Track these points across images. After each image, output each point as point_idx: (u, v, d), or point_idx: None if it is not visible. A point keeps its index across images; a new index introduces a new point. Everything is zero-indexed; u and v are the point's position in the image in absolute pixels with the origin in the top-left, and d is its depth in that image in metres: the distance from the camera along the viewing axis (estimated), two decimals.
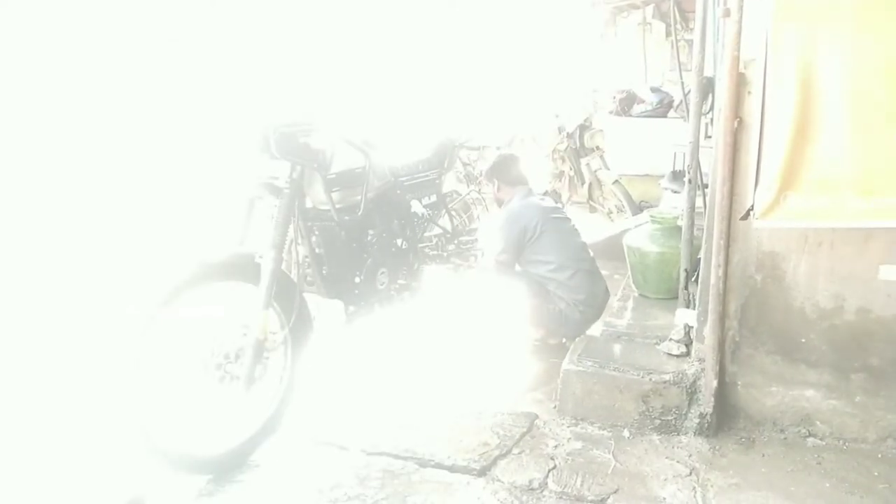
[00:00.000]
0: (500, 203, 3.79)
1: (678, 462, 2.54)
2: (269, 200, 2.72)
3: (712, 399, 2.67)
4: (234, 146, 2.48)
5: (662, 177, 5.63)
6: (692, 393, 2.72)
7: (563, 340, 3.59)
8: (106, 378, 2.16)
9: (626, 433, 2.74)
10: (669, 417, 2.73)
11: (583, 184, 5.86)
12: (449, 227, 3.76)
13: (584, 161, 5.82)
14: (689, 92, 3.08)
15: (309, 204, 2.80)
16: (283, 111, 2.56)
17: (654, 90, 8.04)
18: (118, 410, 2.16)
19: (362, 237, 3.04)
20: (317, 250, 2.89)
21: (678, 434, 2.71)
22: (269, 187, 2.59)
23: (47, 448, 2.73)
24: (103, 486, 2.51)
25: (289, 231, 2.65)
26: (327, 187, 2.72)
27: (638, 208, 5.52)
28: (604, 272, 3.75)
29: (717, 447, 2.63)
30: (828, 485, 2.39)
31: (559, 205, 4.24)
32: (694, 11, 3.36)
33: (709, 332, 2.66)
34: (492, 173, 3.77)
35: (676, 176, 5.25)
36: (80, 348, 3.56)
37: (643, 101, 7.86)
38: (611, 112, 8.02)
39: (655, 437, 2.70)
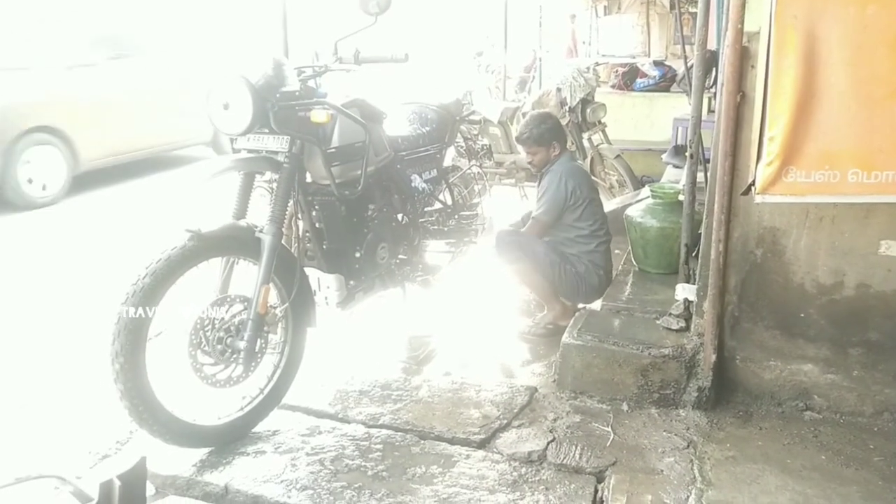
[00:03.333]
0: (542, 165, 3.69)
1: (676, 435, 2.56)
2: (268, 175, 2.71)
3: (711, 373, 2.69)
4: (233, 120, 2.45)
5: (664, 151, 5.60)
6: (691, 367, 2.73)
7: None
8: (108, 352, 2.18)
9: (624, 406, 2.76)
10: (668, 391, 2.75)
11: (584, 158, 5.82)
12: (449, 202, 3.75)
13: (585, 135, 5.77)
14: (691, 66, 3.06)
15: (309, 178, 2.79)
16: (282, 84, 2.54)
17: (657, 64, 7.97)
18: (123, 383, 2.18)
19: (362, 212, 3.03)
20: (317, 225, 2.89)
21: (676, 408, 2.73)
22: (268, 162, 2.58)
23: (44, 421, 2.77)
24: (104, 453, 2.55)
25: (289, 206, 2.65)
26: (327, 162, 2.70)
27: (639, 183, 5.50)
28: None
29: (714, 421, 2.65)
30: (824, 458, 2.41)
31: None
32: None
33: (708, 306, 2.67)
34: (552, 136, 3.65)
35: (678, 151, 5.23)
36: (80, 321, 3.59)
37: (646, 76, 7.80)
38: (613, 86, 7.97)
39: (654, 411, 2.73)
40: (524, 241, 3.52)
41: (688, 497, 2.21)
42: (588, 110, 5.69)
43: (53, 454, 2.54)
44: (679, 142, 5.81)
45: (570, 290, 3.53)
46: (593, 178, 5.88)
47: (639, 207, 3.72)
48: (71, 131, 6.56)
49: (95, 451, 2.55)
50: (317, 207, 2.87)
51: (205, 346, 2.38)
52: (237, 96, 2.42)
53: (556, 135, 3.66)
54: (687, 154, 3.03)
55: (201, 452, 2.44)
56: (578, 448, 2.48)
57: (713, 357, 2.68)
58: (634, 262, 3.72)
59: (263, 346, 2.50)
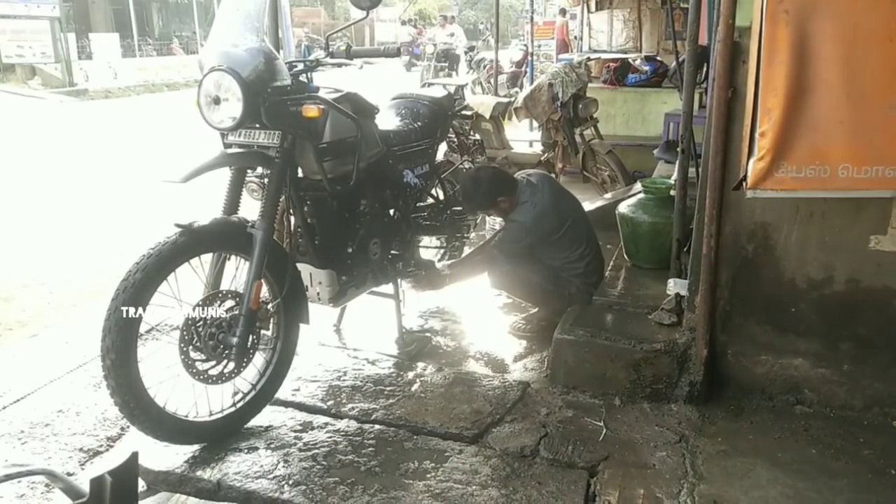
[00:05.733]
0: (505, 214, 3.40)
1: (668, 429, 2.57)
2: (259, 170, 2.70)
3: (702, 368, 2.70)
4: (224, 115, 2.44)
5: (656, 147, 5.61)
6: (683, 362, 2.74)
7: None
8: (99, 348, 2.16)
9: (617, 401, 2.77)
10: (660, 386, 2.76)
11: (576, 154, 5.82)
12: (441, 197, 3.74)
13: (577, 131, 5.78)
14: (683, 61, 3.06)
15: (300, 174, 2.78)
16: (273, 79, 2.52)
17: (649, 59, 7.98)
18: (115, 379, 2.17)
19: (354, 207, 3.02)
20: (309, 220, 2.87)
21: (668, 402, 2.74)
22: (259, 157, 2.57)
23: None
24: (96, 450, 2.53)
25: (280, 201, 2.64)
26: (319, 156, 2.69)
27: (631, 178, 5.51)
28: None
29: (706, 415, 2.66)
30: (814, 451, 2.43)
31: (554, 175, 4.07)
32: None
33: (700, 301, 2.68)
34: (493, 194, 3.33)
35: (670, 146, 5.23)
36: (68, 317, 3.57)
37: (637, 71, 7.81)
38: (604, 81, 7.97)
39: (646, 406, 2.74)
40: (518, 274, 3.41)
41: (679, 491, 2.22)
42: (580, 105, 5.69)
43: (44, 451, 2.53)
44: (671, 137, 5.82)
45: (561, 308, 3.45)
46: (584, 173, 5.91)
47: (630, 203, 3.73)
48: None
49: (87, 448, 2.54)
50: (308, 203, 2.86)
51: (196, 342, 2.37)
52: (228, 91, 2.40)
53: (496, 191, 3.33)
54: (678, 149, 3.03)
55: (193, 448, 2.44)
56: (571, 443, 2.49)
57: (705, 352, 2.70)
58: (626, 257, 3.74)
59: (255, 341, 2.49)
